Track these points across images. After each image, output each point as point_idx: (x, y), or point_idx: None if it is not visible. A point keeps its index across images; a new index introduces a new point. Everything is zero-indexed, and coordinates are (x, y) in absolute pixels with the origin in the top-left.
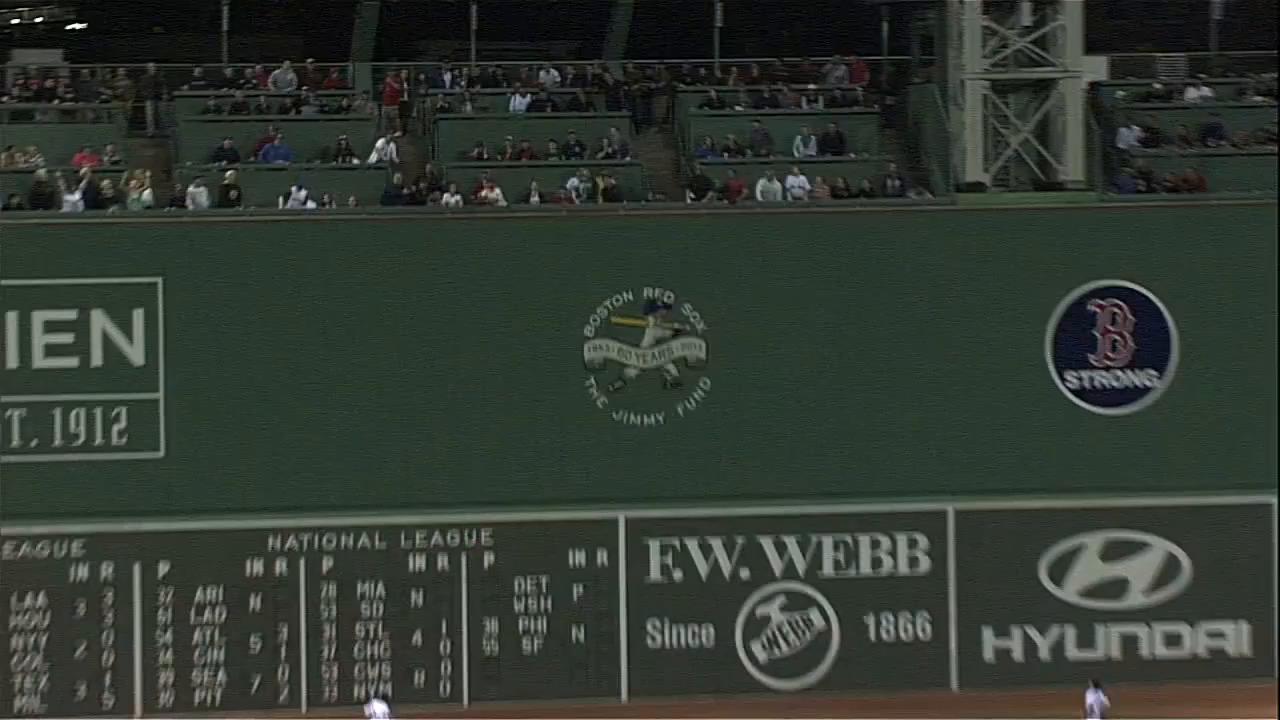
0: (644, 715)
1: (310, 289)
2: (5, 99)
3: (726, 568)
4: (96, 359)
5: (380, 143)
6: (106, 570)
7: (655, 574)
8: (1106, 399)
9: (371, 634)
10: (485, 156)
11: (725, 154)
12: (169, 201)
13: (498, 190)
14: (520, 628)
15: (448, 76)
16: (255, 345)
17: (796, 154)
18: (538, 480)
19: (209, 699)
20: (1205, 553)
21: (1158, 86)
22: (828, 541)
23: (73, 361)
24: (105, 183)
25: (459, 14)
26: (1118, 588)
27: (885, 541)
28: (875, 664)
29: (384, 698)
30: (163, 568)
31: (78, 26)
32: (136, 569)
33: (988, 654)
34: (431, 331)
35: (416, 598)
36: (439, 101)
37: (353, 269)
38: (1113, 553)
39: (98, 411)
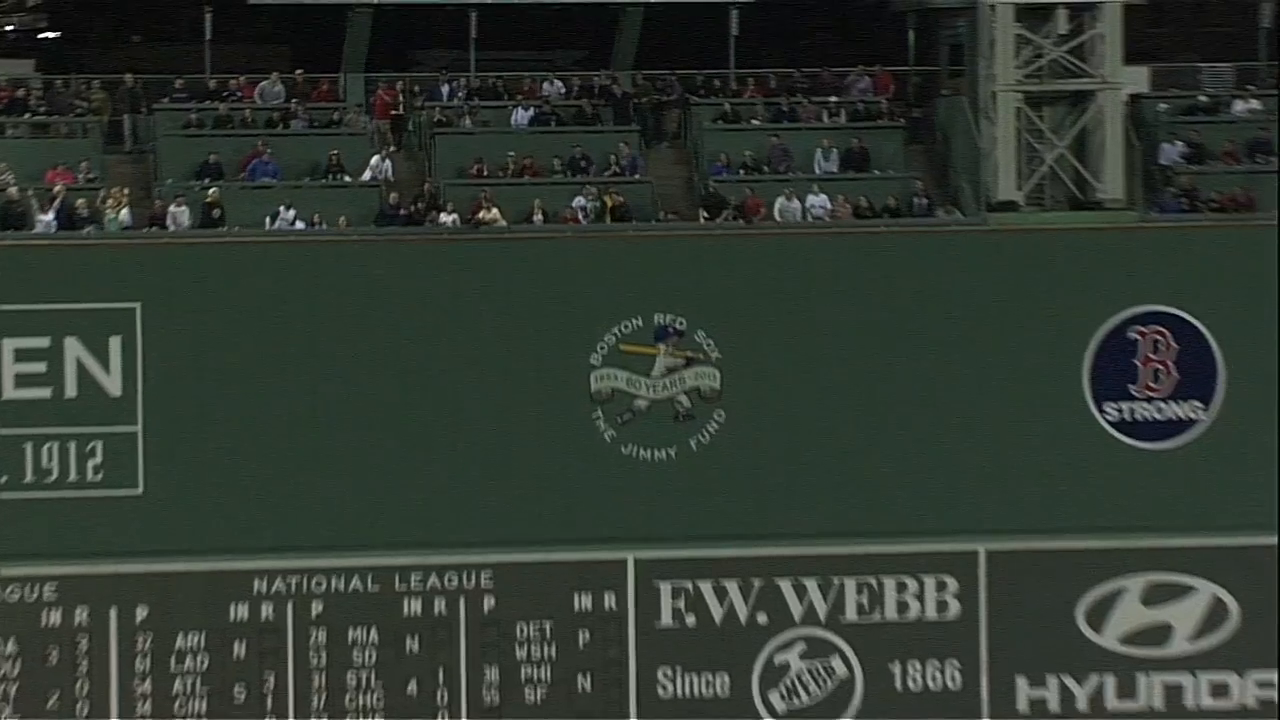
0: None
1: (299, 315)
2: None
3: (743, 612)
4: (70, 390)
5: (375, 159)
6: (81, 615)
7: (666, 619)
8: (1148, 432)
9: (364, 683)
10: (485, 173)
11: (741, 171)
12: (148, 222)
13: (495, 210)
14: (522, 676)
15: (445, 88)
16: (240, 375)
17: (817, 171)
18: (541, 519)
19: None
20: (1254, 596)
21: (1203, 99)
22: (850, 584)
23: (45, 392)
24: (80, 202)
25: (457, 22)
26: (1160, 634)
27: (912, 584)
28: (901, 715)
29: None
30: (141, 612)
31: (50, 35)
32: (113, 614)
33: (1021, 704)
34: (428, 360)
35: (412, 644)
36: (436, 115)
37: (344, 294)
38: (1155, 597)
39: (72, 446)
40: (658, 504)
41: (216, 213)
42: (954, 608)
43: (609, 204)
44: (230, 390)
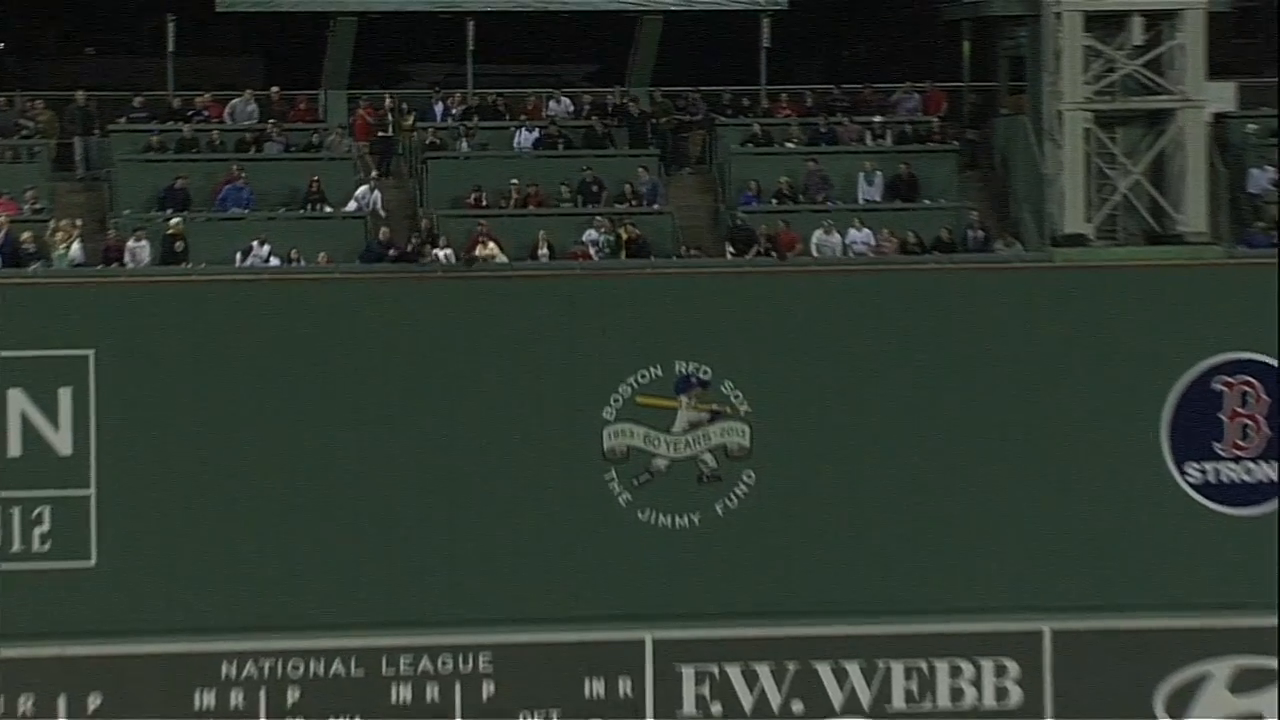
0: None
1: (274, 364)
2: None
3: (775, 700)
4: (14, 448)
5: (362, 190)
6: (25, 703)
7: (689, 707)
8: (1235, 496)
9: None
10: (484, 203)
11: (774, 200)
12: (102, 258)
13: (494, 245)
14: None
15: (439, 107)
16: (208, 431)
17: (859, 200)
18: (547, 593)
19: None
20: None
21: None
22: (898, 668)
23: None
24: (26, 235)
25: (452, 32)
26: None
27: (968, 669)
28: None
29: None
30: (94, 700)
31: None
32: (62, 702)
33: None
34: (420, 415)
35: None
36: (428, 137)
37: (325, 340)
38: (1244, 683)
39: (15, 511)
40: (679, 577)
41: (180, 247)
42: (1015, 695)
43: (624, 237)
44: (196, 449)
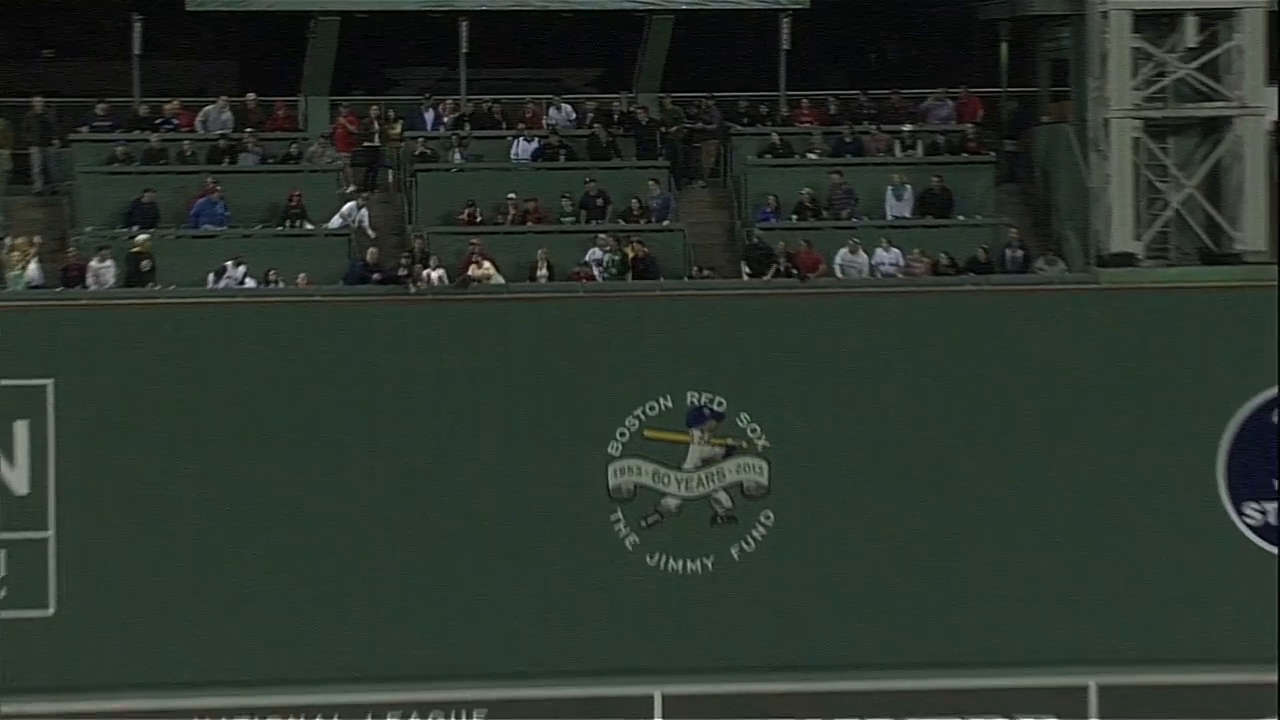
0: None
1: (250, 395)
2: None
3: None
4: None
5: (349, 207)
6: None
7: None
8: None
9: None
10: (478, 220)
11: (794, 216)
12: (62, 279)
13: (489, 265)
14: None
15: (429, 115)
16: (176, 469)
17: (887, 216)
18: (547, 645)
19: None
20: None
21: None
22: None
23: None
24: None
25: (444, 34)
26: None
27: None
28: None
29: None
30: None
31: None
32: None
33: None
34: (408, 449)
35: None
36: (417, 147)
37: (305, 370)
38: None
39: None
40: (691, 627)
41: (147, 266)
42: None
43: (630, 257)
44: (164, 487)
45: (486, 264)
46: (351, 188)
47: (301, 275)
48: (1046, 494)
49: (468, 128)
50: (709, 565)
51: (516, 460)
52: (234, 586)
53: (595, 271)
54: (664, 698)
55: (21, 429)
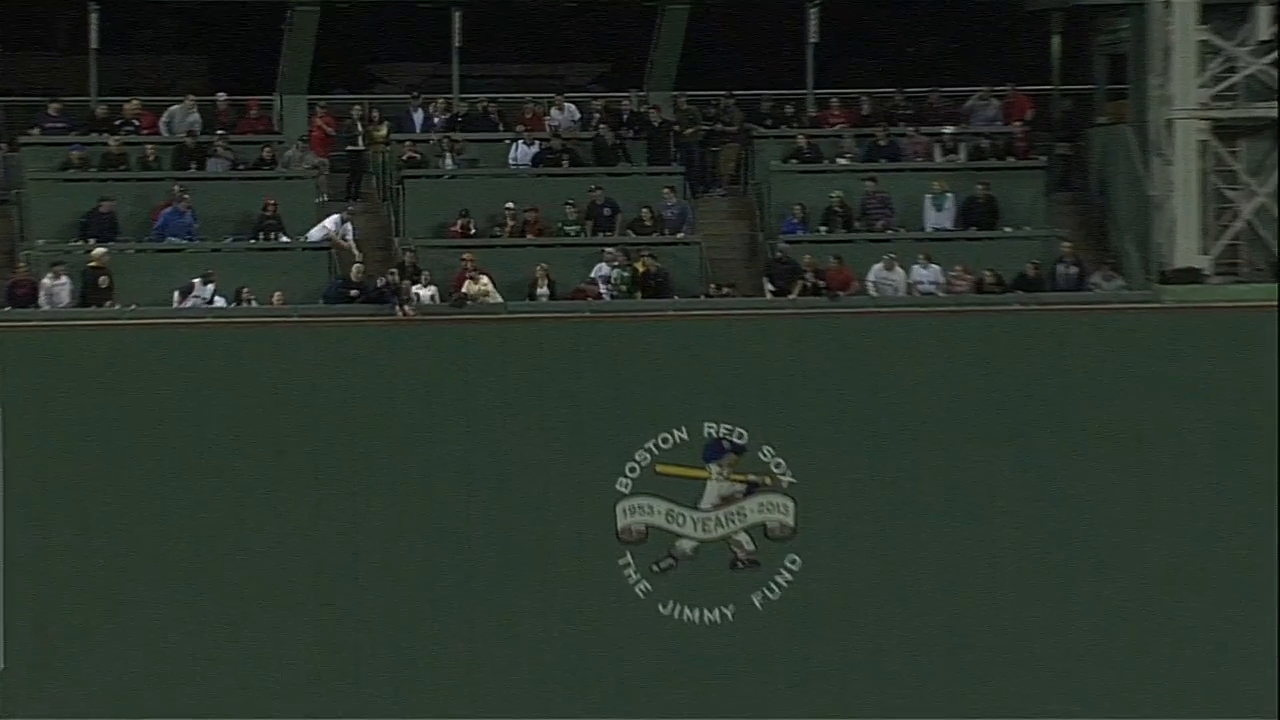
0: None
1: (219, 424)
2: None
3: None
4: None
5: (333, 221)
6: None
7: None
8: None
9: None
10: (472, 231)
11: (823, 228)
12: (9, 297)
13: (485, 280)
14: None
15: (419, 115)
16: (136, 504)
17: (926, 227)
18: (551, 700)
19: None
20: None
21: None
22: None
23: None
24: None
25: (435, 26)
26: None
27: None
28: None
29: None
30: None
31: None
32: None
33: None
34: (393, 484)
35: None
36: (405, 151)
37: (280, 398)
38: None
39: None
40: (708, 682)
41: (104, 283)
42: None
43: (641, 272)
44: (122, 524)
45: (484, 279)
46: (323, 198)
47: (277, 294)
48: (1106, 533)
49: (460, 129)
50: (728, 615)
51: (514, 499)
52: (196, 627)
53: (602, 289)
54: None
55: None
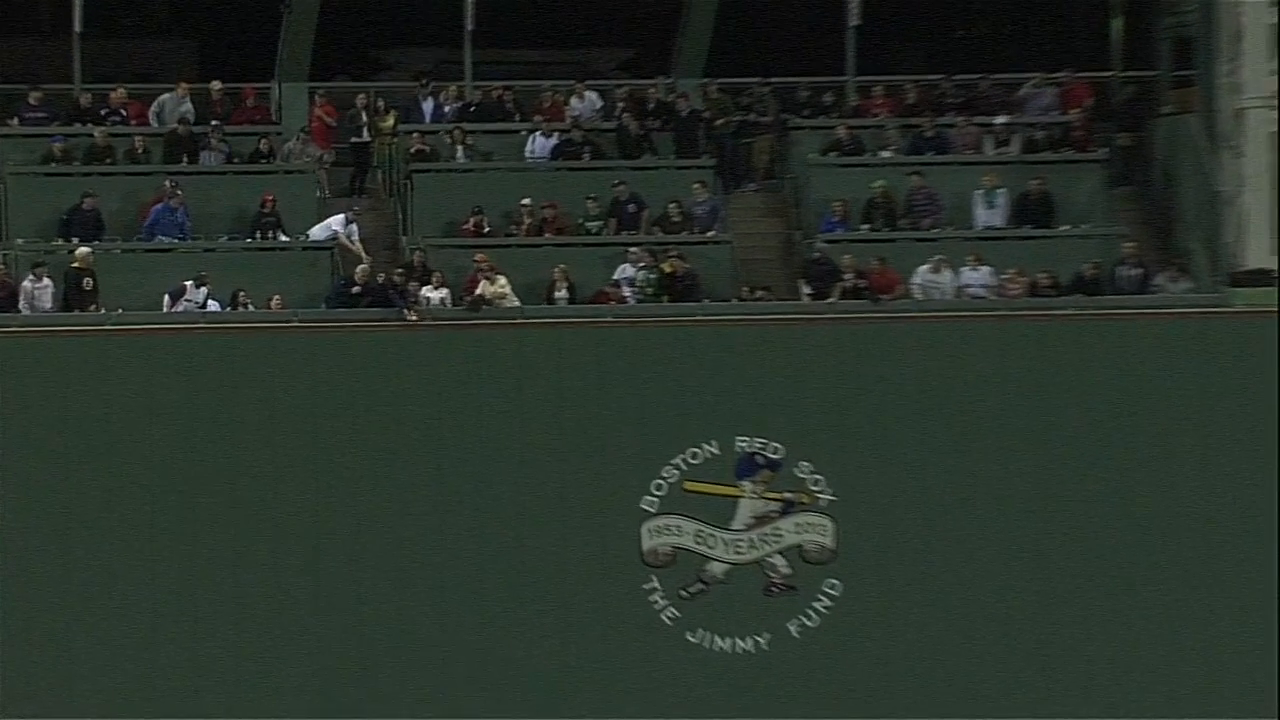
0: None
1: (214, 435)
2: None
3: None
4: None
5: (337, 220)
6: None
7: None
8: None
9: None
10: (486, 229)
11: (864, 226)
12: None
13: (502, 282)
14: None
15: (428, 104)
16: (127, 515)
17: (976, 225)
18: None
19: None
20: None
21: None
22: None
23: None
24: None
25: (446, 8)
26: None
27: None
28: None
29: None
30: None
31: None
32: None
33: None
34: (399, 499)
35: None
36: (414, 144)
37: (279, 408)
38: None
39: None
40: (740, 717)
41: (89, 285)
42: None
43: (668, 273)
44: (111, 534)
45: (501, 279)
46: (325, 193)
47: (275, 297)
48: (1170, 552)
49: (473, 119)
50: (762, 643)
51: (532, 519)
52: (188, 644)
53: (626, 292)
54: None
55: None
